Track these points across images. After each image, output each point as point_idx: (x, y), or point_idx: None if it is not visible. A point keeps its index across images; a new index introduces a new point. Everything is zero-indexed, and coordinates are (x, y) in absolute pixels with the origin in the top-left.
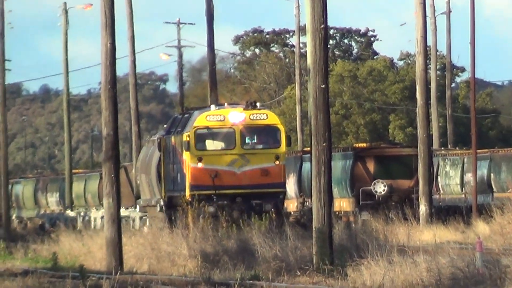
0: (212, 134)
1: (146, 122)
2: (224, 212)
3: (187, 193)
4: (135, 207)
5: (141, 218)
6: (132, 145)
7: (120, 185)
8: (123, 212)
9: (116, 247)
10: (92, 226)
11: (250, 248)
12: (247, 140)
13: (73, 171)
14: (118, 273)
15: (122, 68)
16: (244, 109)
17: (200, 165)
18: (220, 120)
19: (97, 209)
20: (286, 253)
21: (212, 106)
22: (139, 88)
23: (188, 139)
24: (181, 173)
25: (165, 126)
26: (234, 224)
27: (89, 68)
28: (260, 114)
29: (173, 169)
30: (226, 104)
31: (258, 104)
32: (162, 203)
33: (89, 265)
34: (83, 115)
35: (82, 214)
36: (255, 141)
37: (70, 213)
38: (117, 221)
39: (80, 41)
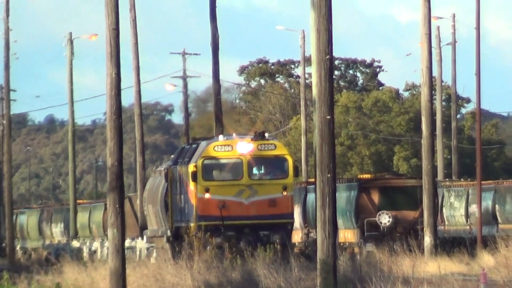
0: (219, 164)
1: (151, 152)
2: (231, 243)
3: (194, 223)
4: (141, 238)
5: (147, 249)
6: (137, 176)
7: (125, 215)
8: (130, 242)
9: (120, 278)
10: (99, 256)
11: (254, 279)
12: (255, 171)
13: (78, 201)
14: None
15: (127, 98)
16: (252, 139)
17: (207, 195)
18: (228, 151)
19: (102, 240)
20: (290, 284)
21: (220, 136)
22: (144, 118)
23: (195, 169)
24: (188, 203)
25: (171, 156)
26: (238, 255)
27: (94, 98)
28: (268, 144)
29: (180, 200)
30: (234, 135)
31: (266, 134)
32: (169, 233)
33: None
34: (88, 146)
35: (87, 244)
36: (263, 171)
37: (75, 243)
38: (122, 252)
39: (86, 71)
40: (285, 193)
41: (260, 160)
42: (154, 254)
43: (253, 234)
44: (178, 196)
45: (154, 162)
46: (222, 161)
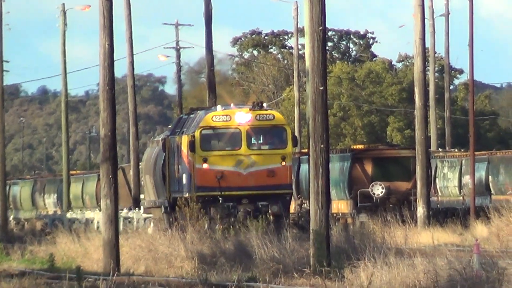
0: (217, 134)
1: (144, 123)
2: (229, 214)
3: (192, 194)
4: (134, 208)
5: (145, 219)
6: (130, 147)
7: (118, 186)
8: (127, 213)
9: (113, 249)
10: (96, 227)
11: (247, 250)
12: (253, 141)
13: (71, 172)
14: (115, 275)
15: (120, 69)
16: (251, 109)
17: (205, 166)
18: (226, 121)
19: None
20: (283, 255)
21: (218, 107)
22: (137, 89)
23: (193, 139)
24: (186, 174)
25: (169, 126)
26: (232, 226)
27: (88, 70)
28: (266, 114)
29: (178, 170)
30: (232, 105)
31: (264, 104)
32: (166, 204)
33: (86, 266)
34: (81, 117)
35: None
36: (261, 141)
37: (70, 214)
38: (115, 223)
39: (79, 42)
40: (283, 163)
41: (258, 130)
42: (151, 225)
43: (252, 204)
44: (176, 166)
45: (147, 133)
46: (220, 131)
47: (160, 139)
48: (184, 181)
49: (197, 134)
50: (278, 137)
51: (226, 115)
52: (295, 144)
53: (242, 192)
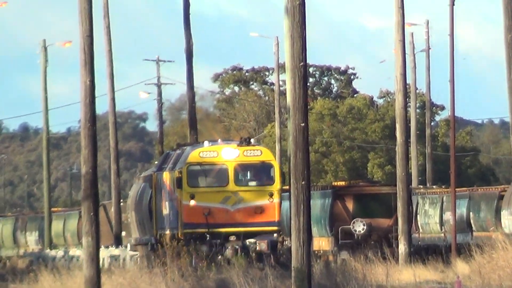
0: (205, 170)
1: (125, 160)
2: (217, 252)
3: (179, 231)
4: (117, 246)
5: (131, 257)
6: (111, 184)
7: (99, 223)
8: (113, 251)
9: (95, 286)
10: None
11: (229, 287)
12: (241, 177)
13: (53, 209)
14: None
15: (102, 106)
16: (238, 145)
17: (192, 202)
18: (214, 157)
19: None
20: None
21: (206, 142)
22: (118, 126)
23: (180, 175)
24: (173, 210)
25: (155, 162)
26: (214, 263)
27: (69, 106)
28: (254, 150)
29: (165, 207)
30: (219, 140)
31: (252, 140)
32: (153, 241)
33: None
34: (62, 153)
35: (69, 253)
36: (249, 178)
37: (52, 252)
38: (96, 260)
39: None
40: (271, 200)
41: (246, 166)
42: (139, 262)
43: (239, 241)
44: (162, 203)
45: (128, 169)
46: (208, 167)
47: (146, 175)
48: (171, 217)
49: (184, 170)
50: (266, 174)
51: (214, 151)
52: (283, 181)
53: (230, 229)
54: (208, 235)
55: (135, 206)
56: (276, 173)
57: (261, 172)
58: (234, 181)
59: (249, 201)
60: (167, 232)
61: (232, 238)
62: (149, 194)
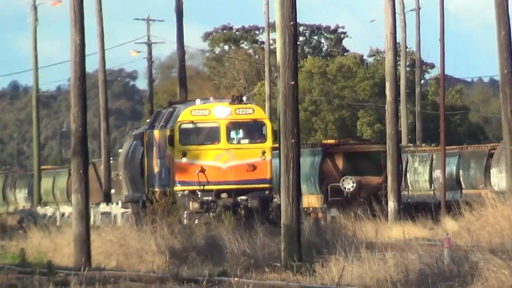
0: (197, 128)
1: (115, 118)
2: (208, 209)
3: (171, 189)
4: (107, 203)
5: (123, 214)
6: (101, 142)
7: (89, 181)
8: (104, 208)
9: (85, 244)
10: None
11: (219, 245)
12: (233, 135)
13: (42, 167)
14: (86, 269)
15: (92, 64)
16: (230, 103)
17: (184, 160)
18: (205, 115)
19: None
20: (254, 250)
21: (198, 100)
22: (108, 84)
23: (172, 133)
24: (165, 168)
25: (147, 120)
26: (203, 221)
27: (59, 65)
28: (246, 108)
29: (156, 164)
30: (211, 98)
31: (244, 98)
32: (145, 198)
33: (58, 261)
34: (52, 112)
35: (59, 211)
36: (241, 135)
37: (43, 209)
38: (86, 217)
39: (50, 37)
40: (263, 157)
41: (238, 124)
42: (130, 220)
43: (231, 199)
44: (154, 160)
45: (118, 128)
46: (200, 125)
47: (138, 133)
48: (163, 175)
49: (176, 128)
50: (258, 131)
51: (205, 109)
52: (275, 139)
53: (222, 186)
54: (199, 193)
55: (127, 163)
56: (268, 131)
57: (253, 130)
58: (226, 139)
59: (241, 158)
60: (159, 189)
61: (224, 195)
62: (140, 152)
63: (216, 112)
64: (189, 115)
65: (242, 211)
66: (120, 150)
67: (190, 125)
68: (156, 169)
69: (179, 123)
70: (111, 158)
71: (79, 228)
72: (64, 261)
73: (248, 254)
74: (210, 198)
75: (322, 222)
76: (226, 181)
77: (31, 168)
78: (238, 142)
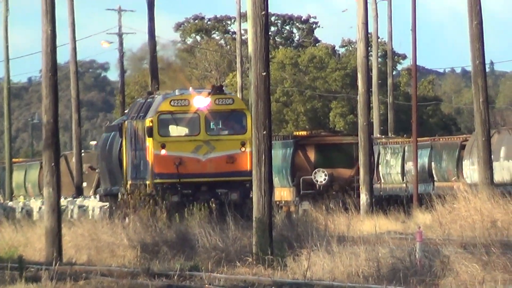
0: (176, 119)
1: (86, 110)
2: (188, 201)
3: (150, 181)
4: (77, 197)
5: (101, 208)
6: (73, 134)
7: (61, 174)
8: (82, 201)
9: (56, 238)
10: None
11: (190, 239)
12: (212, 126)
13: (13, 160)
14: (57, 264)
15: (63, 55)
16: (210, 93)
17: (163, 152)
18: (185, 105)
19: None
20: (226, 244)
21: (177, 91)
22: (80, 76)
23: (151, 124)
24: (144, 160)
25: (125, 111)
26: (176, 213)
27: (30, 56)
28: (226, 99)
29: (135, 156)
30: (191, 89)
31: (224, 88)
32: (123, 191)
33: (29, 256)
34: (24, 104)
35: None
36: (221, 127)
37: (13, 202)
38: (57, 211)
39: (21, 28)
40: (243, 149)
41: (217, 115)
42: (108, 213)
43: (211, 192)
44: (133, 152)
45: (90, 119)
46: (179, 116)
47: (116, 124)
48: (142, 167)
49: (155, 119)
50: (238, 122)
51: (185, 100)
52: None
53: (201, 179)
54: (179, 185)
55: (104, 155)
56: (249, 122)
57: (233, 121)
58: (205, 130)
59: (221, 150)
60: (138, 182)
61: (204, 188)
62: (119, 143)
63: (195, 102)
64: (168, 105)
65: (213, 205)
66: (92, 142)
67: (169, 116)
68: (135, 161)
69: (158, 114)
70: (83, 151)
71: (50, 222)
72: (35, 255)
73: (219, 248)
74: (190, 191)
75: (294, 215)
76: (206, 174)
77: (3, 160)
78: (218, 134)
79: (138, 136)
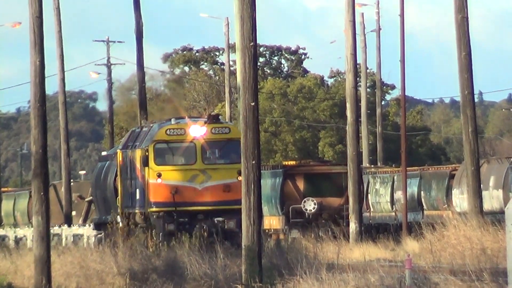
0: (172, 148)
1: (75, 140)
2: (184, 230)
3: (146, 210)
4: (64, 225)
5: (95, 236)
6: (62, 164)
7: (50, 203)
8: (77, 230)
9: (45, 265)
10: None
11: (179, 266)
12: (209, 155)
13: (2, 189)
14: None
15: (52, 86)
16: (206, 122)
17: (159, 181)
18: (181, 134)
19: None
20: (215, 271)
21: (173, 120)
22: (68, 106)
23: (147, 153)
24: (140, 189)
25: (120, 140)
26: (165, 242)
27: (19, 87)
28: (222, 128)
29: (130, 185)
30: (187, 118)
31: (220, 117)
32: (118, 220)
33: (18, 283)
34: (12, 134)
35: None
36: (217, 155)
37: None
38: (47, 239)
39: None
40: (239, 178)
41: (213, 144)
42: (103, 242)
43: (207, 220)
44: (128, 181)
45: (79, 149)
46: (175, 145)
47: (111, 153)
48: (138, 196)
49: (150, 148)
50: (234, 151)
51: (181, 129)
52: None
53: (197, 207)
54: (175, 214)
55: (99, 184)
56: None
57: (229, 149)
58: (201, 159)
59: (217, 179)
60: (134, 210)
61: (200, 216)
62: (114, 172)
63: (191, 131)
64: (164, 134)
65: (205, 233)
66: (81, 172)
67: (165, 145)
68: (130, 190)
69: (154, 143)
70: (72, 180)
71: (39, 250)
72: (24, 283)
73: (208, 275)
74: (186, 219)
75: (284, 243)
76: (202, 202)
77: None
78: (214, 162)
79: (134, 165)
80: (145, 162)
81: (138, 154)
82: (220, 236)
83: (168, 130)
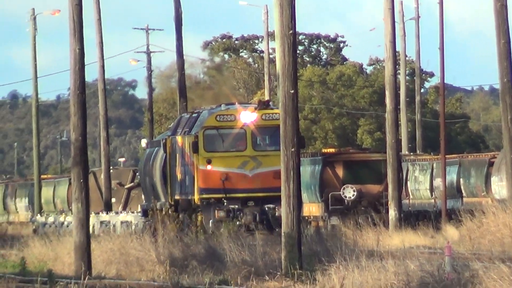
0: (222, 135)
1: (115, 127)
2: (234, 217)
3: (196, 196)
4: (106, 212)
5: (144, 223)
6: (101, 151)
7: (89, 190)
8: (124, 217)
9: (85, 252)
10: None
11: (219, 253)
12: (259, 141)
13: (42, 176)
14: (87, 278)
15: (91, 74)
16: (256, 108)
17: (209, 167)
18: (231, 121)
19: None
20: (255, 258)
21: (223, 105)
22: (108, 93)
23: (196, 140)
24: (189, 175)
25: (168, 127)
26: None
27: (59, 74)
28: (272, 114)
29: (180, 171)
30: (237, 104)
31: (271, 103)
32: (168, 206)
33: (58, 270)
34: (52, 121)
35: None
36: (267, 142)
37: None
38: (86, 226)
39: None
40: None
41: (264, 130)
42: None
43: (258, 207)
44: (177, 167)
45: (118, 136)
46: (225, 131)
47: (159, 139)
48: (187, 182)
49: (200, 134)
50: None
51: (231, 115)
52: (302, 145)
53: (248, 194)
54: (225, 201)
55: (148, 171)
56: None
57: (279, 136)
58: (252, 145)
59: (268, 166)
60: (183, 197)
61: (250, 203)
62: (163, 159)
63: (242, 117)
64: (214, 120)
65: (242, 220)
66: (120, 159)
67: (215, 131)
68: (179, 177)
69: (204, 129)
70: (111, 167)
71: (79, 237)
72: (64, 270)
73: (248, 262)
74: (236, 206)
75: (323, 230)
76: (253, 189)
77: (31, 177)
78: (264, 149)
79: (183, 152)
80: (194, 149)
81: (187, 140)
82: (266, 223)
83: (218, 116)
